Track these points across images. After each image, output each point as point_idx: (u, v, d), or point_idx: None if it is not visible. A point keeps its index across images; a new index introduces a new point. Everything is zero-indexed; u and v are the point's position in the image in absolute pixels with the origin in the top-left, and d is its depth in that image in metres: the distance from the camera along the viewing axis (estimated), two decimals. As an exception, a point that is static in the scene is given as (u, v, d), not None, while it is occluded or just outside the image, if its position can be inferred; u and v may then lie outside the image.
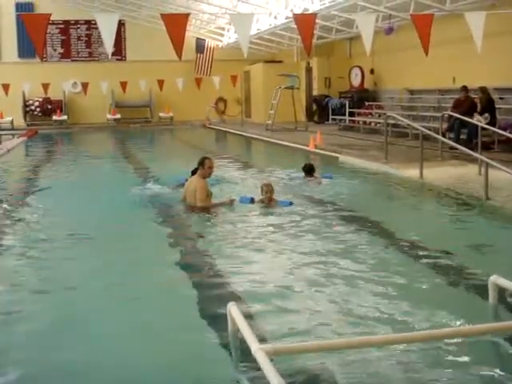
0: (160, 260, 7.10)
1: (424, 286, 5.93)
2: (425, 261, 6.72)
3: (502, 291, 5.16)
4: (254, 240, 7.75)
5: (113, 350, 4.72)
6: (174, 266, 6.78)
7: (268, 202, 9.59)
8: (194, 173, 9.75)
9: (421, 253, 7.03)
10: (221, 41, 34.27)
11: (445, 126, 15.85)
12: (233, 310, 4.47)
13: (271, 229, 8.30)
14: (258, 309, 5.39)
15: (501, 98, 16.70)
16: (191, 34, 32.52)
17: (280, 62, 32.23)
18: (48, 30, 27.20)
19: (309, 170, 11.97)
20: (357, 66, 26.20)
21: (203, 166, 9.46)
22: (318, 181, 11.86)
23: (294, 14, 15.17)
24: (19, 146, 23.14)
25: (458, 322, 4.90)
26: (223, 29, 32.86)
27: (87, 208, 10.23)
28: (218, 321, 4.97)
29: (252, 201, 9.68)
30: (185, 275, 6.52)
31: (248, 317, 4.81)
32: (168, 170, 14.39)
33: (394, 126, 19.55)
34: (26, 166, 17.17)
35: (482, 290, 5.45)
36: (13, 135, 27.21)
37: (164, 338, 4.86)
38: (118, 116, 33.91)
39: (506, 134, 13.18)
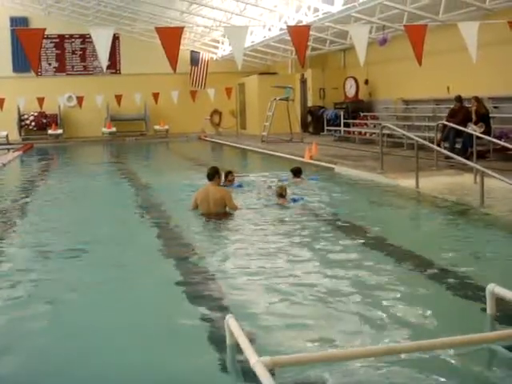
0: (156, 273, 7.07)
1: (420, 296, 5.92)
2: (421, 270, 6.71)
3: (499, 300, 5.15)
4: (257, 248, 7.83)
5: (110, 362, 4.70)
6: (174, 277, 6.77)
7: (282, 202, 10.67)
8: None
9: (417, 262, 7.03)
10: (215, 53, 34.37)
11: (440, 135, 15.90)
12: (231, 322, 4.46)
13: (273, 238, 8.42)
14: (256, 320, 5.37)
15: (495, 107, 16.76)
16: (186, 46, 32.62)
17: (274, 73, 32.33)
18: (43, 44, 27.33)
19: (296, 172, 13.43)
20: (351, 77, 26.28)
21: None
22: (303, 182, 13.15)
23: (288, 26, 15.21)
24: (14, 161, 23.13)
25: (455, 331, 4.88)
26: (217, 41, 32.98)
27: (84, 221, 10.27)
28: (216, 332, 4.95)
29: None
30: (182, 281, 6.56)
31: (247, 327, 4.80)
32: (164, 182, 14.44)
33: (389, 136, 19.59)
34: (22, 181, 17.14)
35: (479, 299, 5.45)
36: (8, 150, 27.18)
37: (162, 351, 4.84)
38: (114, 129, 33.90)
39: (501, 142, 13.21)
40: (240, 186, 12.71)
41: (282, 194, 10.78)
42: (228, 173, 12.50)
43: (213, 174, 10.11)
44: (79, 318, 5.67)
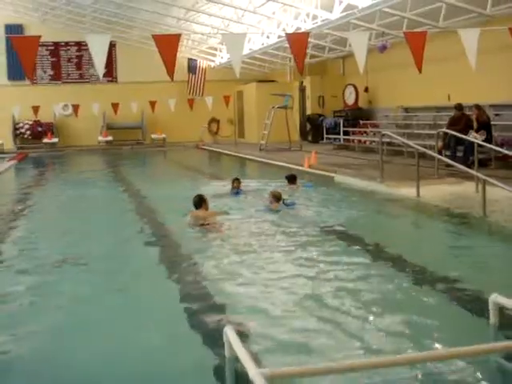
0: (155, 282, 7.07)
1: (422, 307, 5.89)
2: (423, 280, 6.68)
3: (502, 310, 5.13)
4: (254, 257, 7.81)
5: (110, 374, 4.68)
6: (170, 287, 6.75)
7: (274, 207, 10.91)
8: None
9: (418, 272, 7.01)
10: (213, 61, 34.44)
11: (441, 143, 15.91)
12: (230, 334, 4.44)
13: (270, 246, 8.42)
14: (255, 331, 5.34)
15: (496, 115, 16.78)
16: (183, 54, 32.71)
17: (273, 81, 32.38)
18: (38, 52, 27.41)
19: (291, 179, 13.81)
20: (351, 85, 26.34)
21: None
22: (298, 188, 13.52)
23: (287, 33, 15.23)
24: (9, 170, 23.12)
25: (458, 342, 4.86)
26: (215, 49, 33.05)
27: (78, 232, 10.25)
28: (214, 344, 4.93)
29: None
30: (178, 292, 6.53)
31: (245, 338, 4.78)
32: (161, 192, 14.43)
33: (389, 144, 19.61)
34: (15, 190, 17.11)
35: (482, 309, 5.42)
36: (3, 158, 27.17)
37: (160, 363, 4.81)
38: (110, 138, 33.97)
39: (503, 150, 13.22)
40: (237, 193, 12.94)
41: (277, 198, 10.96)
42: (235, 179, 13.30)
43: (199, 203, 10.36)
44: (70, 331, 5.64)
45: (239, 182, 13.27)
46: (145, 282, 7.09)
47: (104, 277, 7.36)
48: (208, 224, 9.95)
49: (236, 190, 13.02)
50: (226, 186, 14.19)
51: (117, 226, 10.86)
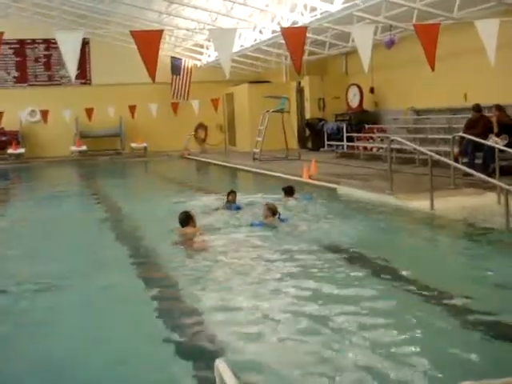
0: (138, 307, 7.09)
1: (440, 333, 5.90)
2: (440, 304, 6.68)
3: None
4: (245, 281, 7.83)
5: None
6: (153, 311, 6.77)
7: (269, 221, 11.13)
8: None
9: (435, 295, 7.00)
10: (199, 60, 34.53)
11: (457, 149, 15.93)
12: (221, 368, 4.42)
13: (263, 267, 8.46)
14: (248, 363, 5.35)
15: (520, 117, 16.84)
16: (166, 52, 32.77)
17: (267, 82, 32.43)
18: (0, 51, 27.33)
19: (288, 191, 14.10)
20: (354, 85, 26.41)
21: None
22: (296, 201, 13.80)
23: (282, 28, 15.32)
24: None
25: (483, 372, 4.87)
26: (202, 46, 33.13)
27: (48, 253, 10.26)
28: (205, 378, 4.94)
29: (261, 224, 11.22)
30: (162, 317, 6.59)
31: (238, 371, 4.78)
32: (142, 209, 14.43)
33: (399, 151, 19.65)
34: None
35: (507, 334, 5.42)
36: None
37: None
38: (84, 148, 33.95)
39: (527, 156, 13.28)
40: (239, 208, 13.04)
41: (272, 211, 11.20)
42: (230, 192, 13.44)
43: (186, 220, 10.51)
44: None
45: (235, 195, 13.40)
46: (125, 312, 7.06)
47: (75, 309, 7.30)
48: (195, 242, 10.03)
49: (237, 205, 13.14)
50: (217, 199, 14.27)
51: (91, 247, 10.80)
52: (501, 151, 13.43)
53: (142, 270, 8.95)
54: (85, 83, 35.21)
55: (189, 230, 10.39)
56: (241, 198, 14.01)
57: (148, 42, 12.60)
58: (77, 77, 25.14)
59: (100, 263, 9.45)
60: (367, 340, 5.69)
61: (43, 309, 7.22)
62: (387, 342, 5.66)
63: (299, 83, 29.62)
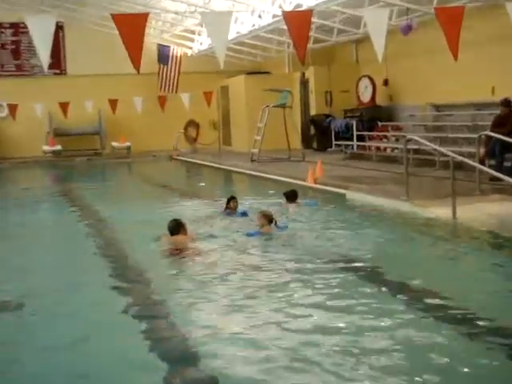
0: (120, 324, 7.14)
1: (464, 357, 5.85)
2: (463, 325, 6.65)
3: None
4: (238, 297, 7.93)
5: None
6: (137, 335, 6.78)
7: (266, 230, 11.29)
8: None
9: (458, 316, 6.96)
10: (190, 48, 34.57)
11: (483, 150, 15.92)
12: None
13: (259, 282, 8.52)
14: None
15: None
16: (152, 39, 32.79)
17: (267, 73, 32.51)
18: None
19: (290, 196, 14.28)
20: (366, 76, 26.44)
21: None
22: (298, 207, 14.04)
23: (284, 12, 15.32)
24: None
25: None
26: (193, 32, 33.18)
27: (18, 266, 10.24)
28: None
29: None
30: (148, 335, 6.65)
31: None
32: (125, 217, 14.43)
33: (417, 152, 19.65)
34: None
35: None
36: None
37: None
38: (59, 147, 33.93)
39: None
40: (245, 214, 13.19)
41: (268, 219, 11.37)
42: (231, 198, 13.59)
43: (176, 228, 10.69)
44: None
45: (236, 202, 13.52)
46: (108, 332, 7.07)
47: (54, 330, 7.25)
48: (185, 251, 10.19)
49: (242, 211, 13.30)
50: (210, 206, 14.34)
51: (67, 260, 10.83)
52: (532, 152, 13.43)
53: (122, 285, 8.94)
54: (59, 74, 35.21)
55: (180, 237, 10.53)
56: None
57: (132, 27, 12.61)
58: (50, 66, 25.15)
59: (73, 277, 9.50)
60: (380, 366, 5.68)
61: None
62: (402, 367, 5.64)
63: (303, 74, 29.65)
